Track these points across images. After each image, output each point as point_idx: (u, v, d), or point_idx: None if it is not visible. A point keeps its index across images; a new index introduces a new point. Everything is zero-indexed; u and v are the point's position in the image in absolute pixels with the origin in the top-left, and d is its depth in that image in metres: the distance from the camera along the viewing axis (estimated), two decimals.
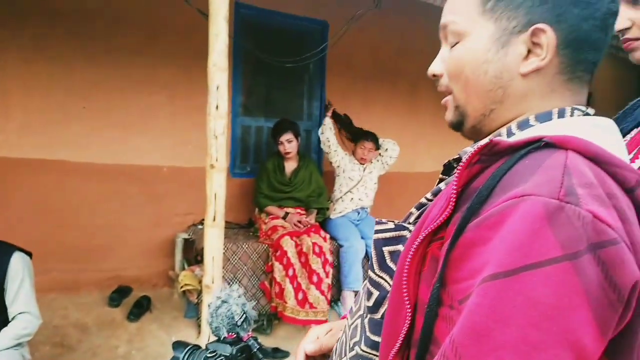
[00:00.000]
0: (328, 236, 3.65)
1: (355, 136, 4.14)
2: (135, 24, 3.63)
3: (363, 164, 4.03)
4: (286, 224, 3.64)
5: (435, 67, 0.68)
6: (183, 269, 3.61)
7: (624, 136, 1.11)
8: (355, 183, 3.99)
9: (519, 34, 0.58)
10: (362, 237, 3.80)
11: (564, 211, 0.42)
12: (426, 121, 5.33)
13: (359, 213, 4.02)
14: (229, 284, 3.29)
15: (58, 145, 3.46)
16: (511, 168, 0.49)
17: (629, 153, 1.02)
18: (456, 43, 0.63)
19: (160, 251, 3.85)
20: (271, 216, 3.72)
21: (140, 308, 3.36)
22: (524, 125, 0.58)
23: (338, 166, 4.01)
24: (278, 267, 3.36)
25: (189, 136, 3.82)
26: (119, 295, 3.49)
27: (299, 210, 3.82)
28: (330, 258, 3.52)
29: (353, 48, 4.46)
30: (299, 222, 3.66)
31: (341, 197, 3.98)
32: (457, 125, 0.67)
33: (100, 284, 3.60)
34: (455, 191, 0.51)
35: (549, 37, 0.56)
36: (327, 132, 3.92)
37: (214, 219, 2.55)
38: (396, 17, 4.53)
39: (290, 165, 3.88)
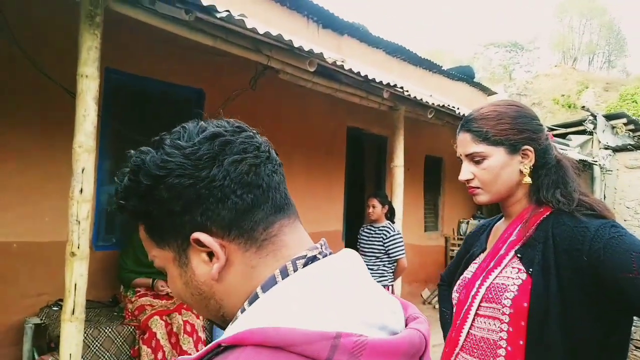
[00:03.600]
0: None
1: None
2: None
3: None
4: (155, 301, 3.46)
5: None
6: (33, 359, 3.20)
7: (474, 258, 1.35)
8: None
9: (189, 248, 0.59)
10: None
11: None
12: (300, 185, 5.57)
13: None
14: None
15: None
16: None
17: (477, 278, 1.23)
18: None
19: (4, 340, 3.37)
20: (138, 294, 3.50)
21: None
22: (253, 299, 0.57)
23: None
24: (146, 351, 3.15)
25: (44, 208, 3.49)
26: None
27: None
28: (203, 336, 3.41)
29: (228, 117, 4.54)
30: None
31: None
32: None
33: None
34: None
35: (206, 240, 0.56)
36: None
37: (73, 312, 2.34)
38: (271, 94, 4.75)
39: None
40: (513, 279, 1.13)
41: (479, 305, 1.18)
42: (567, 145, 8.72)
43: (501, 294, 1.13)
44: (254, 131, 0.64)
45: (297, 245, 0.61)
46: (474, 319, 1.19)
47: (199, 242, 0.57)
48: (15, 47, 3.20)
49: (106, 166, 4.04)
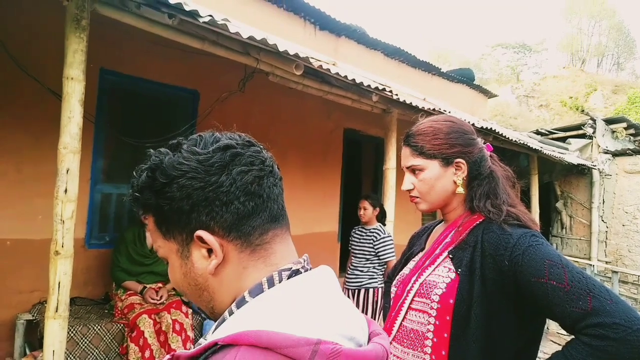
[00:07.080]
0: (190, 311, 3.59)
1: None
2: None
3: None
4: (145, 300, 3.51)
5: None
6: (24, 354, 3.27)
7: (413, 256, 1.44)
8: None
9: (192, 243, 0.65)
10: None
11: None
12: (297, 184, 5.61)
13: None
14: None
15: None
16: None
17: (413, 275, 1.32)
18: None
19: None
20: (128, 292, 3.56)
21: None
22: (240, 302, 0.63)
23: None
24: (134, 349, 3.20)
25: (38, 205, 3.56)
26: None
27: (160, 285, 3.68)
28: (191, 335, 3.45)
29: (223, 117, 4.59)
30: (157, 295, 3.53)
31: None
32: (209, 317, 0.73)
33: None
34: None
35: (208, 238, 0.63)
36: None
37: (57, 310, 2.39)
38: (266, 95, 4.80)
39: None
40: (443, 277, 1.22)
41: (412, 299, 1.26)
42: (566, 149, 8.68)
43: (431, 290, 1.22)
44: (262, 146, 0.71)
45: (285, 255, 0.68)
46: (407, 312, 1.27)
47: (201, 239, 0.64)
48: (3, 50, 3.26)
49: (100, 166, 4.10)
